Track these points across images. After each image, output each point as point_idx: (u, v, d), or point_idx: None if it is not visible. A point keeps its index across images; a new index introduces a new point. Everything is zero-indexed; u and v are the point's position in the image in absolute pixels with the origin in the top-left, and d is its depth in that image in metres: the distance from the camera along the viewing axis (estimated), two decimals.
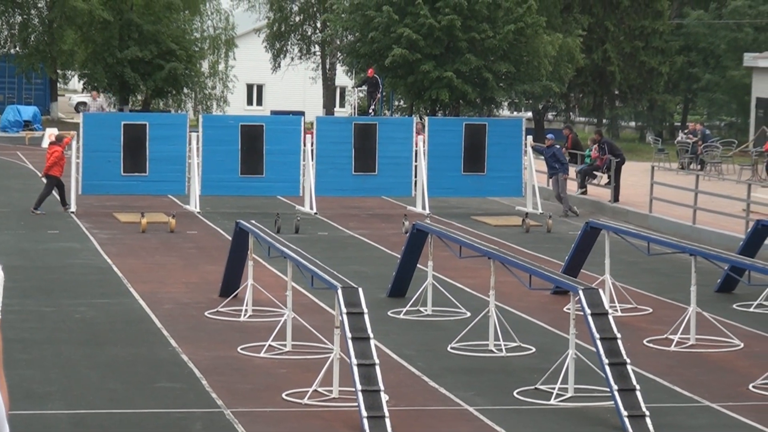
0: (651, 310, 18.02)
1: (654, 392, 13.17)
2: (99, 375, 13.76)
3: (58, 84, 60.65)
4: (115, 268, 20.63)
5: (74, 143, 28.19)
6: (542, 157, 30.15)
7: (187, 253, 22.60)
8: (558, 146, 30.17)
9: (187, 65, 54.46)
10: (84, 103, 67.94)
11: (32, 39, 55.40)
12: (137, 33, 53.52)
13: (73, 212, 26.96)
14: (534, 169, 29.44)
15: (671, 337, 15.86)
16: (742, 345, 15.74)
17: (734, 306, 18.36)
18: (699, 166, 36.93)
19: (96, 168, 28.05)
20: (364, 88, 53.30)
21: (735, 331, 16.28)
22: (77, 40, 54.49)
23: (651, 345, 15.79)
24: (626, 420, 11.84)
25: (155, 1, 54.08)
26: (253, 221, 17.36)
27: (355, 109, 58.32)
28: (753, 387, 13.65)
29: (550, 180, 29.85)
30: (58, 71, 58.27)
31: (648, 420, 11.86)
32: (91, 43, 53.92)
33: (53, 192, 27.40)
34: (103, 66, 53.59)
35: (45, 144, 35.83)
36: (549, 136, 30.79)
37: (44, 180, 27.82)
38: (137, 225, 24.94)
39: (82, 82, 58.31)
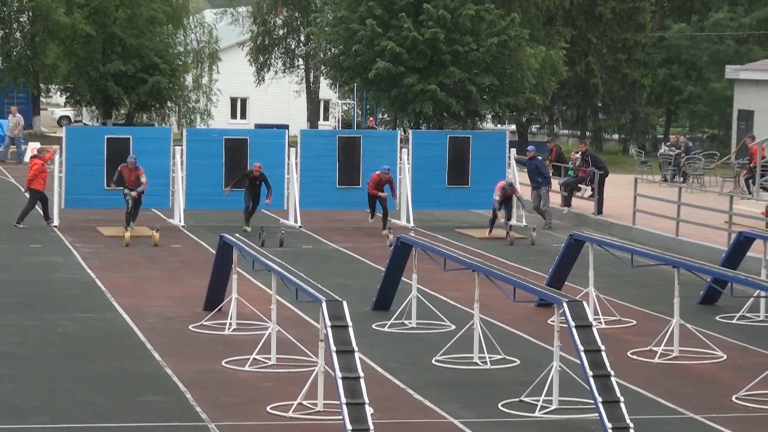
0: (635, 322, 18.05)
1: (638, 404, 13.19)
2: (83, 389, 13.72)
3: (40, 98, 60.54)
4: (99, 282, 20.59)
5: (57, 157, 28.13)
6: (525, 170, 30.18)
7: (171, 267, 22.56)
8: (540, 158, 30.19)
9: (171, 79, 54.37)
10: (68, 117, 67.97)
11: (14, 53, 55.27)
12: (120, 47, 53.45)
13: (56, 226, 26.90)
14: (518, 181, 29.50)
15: (655, 349, 15.90)
16: (725, 357, 15.78)
17: (717, 318, 18.41)
18: (682, 179, 37.02)
19: (79, 182, 28.01)
20: (349, 101, 53.42)
21: (718, 343, 16.32)
22: (60, 54, 54.37)
23: (635, 357, 15.81)
24: None
25: (138, 15, 54.01)
26: (237, 235, 17.37)
27: (339, 122, 58.45)
28: (736, 399, 13.68)
29: (533, 192, 29.84)
30: (41, 85, 58.18)
31: None
32: (73, 57, 53.81)
33: (36, 206, 27.34)
34: (86, 80, 53.51)
35: (27, 158, 35.75)
36: (530, 148, 30.76)
37: (27, 194, 27.75)
38: (121, 239, 24.90)
39: (64, 96, 58.16)
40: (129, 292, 19.69)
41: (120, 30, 53.65)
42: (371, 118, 50.65)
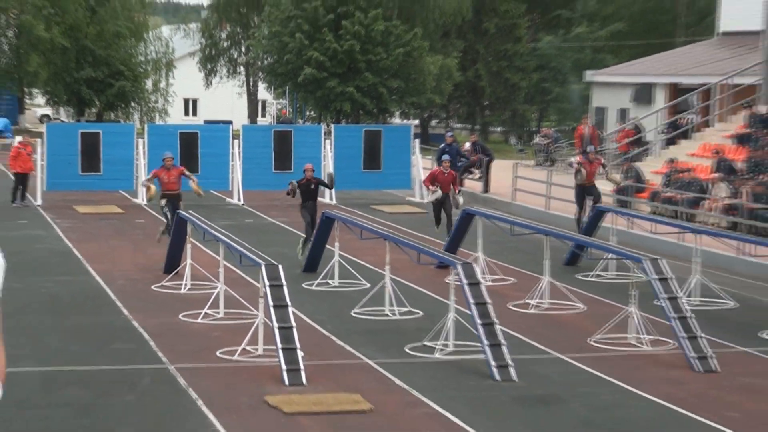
0: (514, 280, 18.25)
1: (517, 347, 13.35)
2: (63, 339, 13.61)
3: (25, 100, 59.54)
4: (75, 251, 20.38)
5: (39, 148, 27.73)
6: (434, 158, 29.84)
7: (136, 238, 22.38)
8: (457, 143, 29.93)
9: (134, 83, 53.80)
10: (48, 115, 66.84)
11: (3, 63, 54.36)
12: (91, 57, 52.73)
13: (39, 205, 26.54)
14: (421, 167, 29.65)
15: (530, 301, 16.10)
16: (584, 307, 16.03)
17: (578, 276, 18.67)
18: (551, 163, 37.39)
19: (58, 169, 27.69)
20: (282, 101, 52.83)
21: (579, 297, 16.58)
22: (40, 63, 53.47)
23: (514, 308, 16.00)
24: (495, 369, 12.01)
25: (106, 30, 53.30)
26: (191, 211, 17.28)
27: (274, 118, 58.16)
28: (592, 341, 13.92)
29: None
30: (25, 89, 57.26)
31: (512, 370, 12.05)
32: (52, 65, 52.97)
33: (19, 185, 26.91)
34: (62, 84, 52.76)
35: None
36: (450, 134, 30.29)
37: (12, 177, 27.40)
38: (94, 216, 24.62)
39: (45, 98, 57.33)
40: (101, 259, 19.51)
41: (91, 43, 52.87)
42: (284, 110, 50.63)
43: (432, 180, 21.47)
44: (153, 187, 20.32)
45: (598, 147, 33.55)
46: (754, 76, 30.38)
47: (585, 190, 22.79)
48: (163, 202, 20.08)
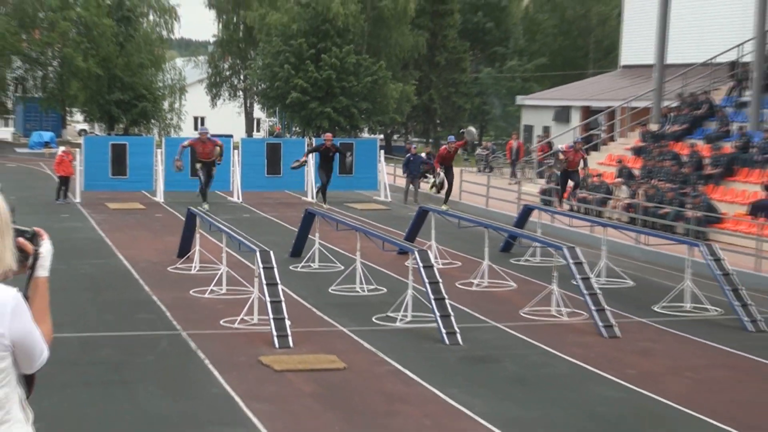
0: (461, 264, 18.26)
1: (462, 317, 13.38)
2: (97, 310, 13.49)
3: (66, 117, 59.03)
4: (107, 240, 20.19)
5: (78, 156, 27.47)
6: (401, 166, 29.84)
7: (155, 229, 22.19)
8: (419, 153, 29.98)
9: (154, 104, 53.57)
10: (85, 130, 66.31)
11: (49, 87, 54.00)
12: (120, 83, 52.43)
13: (78, 202, 26.26)
14: (385, 172, 29.60)
15: (473, 281, 16.13)
16: (516, 286, 16.08)
17: (511, 260, 18.72)
18: (489, 170, 37.50)
19: (93, 172, 27.43)
20: (273, 119, 52.54)
21: (512, 277, 16.62)
22: (79, 88, 53.11)
23: (460, 286, 16.00)
24: (445, 335, 12.04)
25: (132, 62, 53.03)
26: (199, 208, 17.16)
27: (267, 133, 57.98)
28: (522, 313, 13.97)
29: (414, 179, 28.73)
30: (67, 109, 56.81)
31: (458, 336, 12.08)
32: (88, 89, 52.61)
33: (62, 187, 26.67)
34: (96, 105, 52.49)
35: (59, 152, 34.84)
36: (414, 146, 30.57)
37: (57, 179, 27.13)
38: (121, 211, 24.40)
39: (83, 116, 56.95)
40: (127, 246, 19.34)
41: (120, 71, 52.51)
42: (277, 126, 50.60)
43: (440, 160, 22.56)
44: (181, 164, 22.06)
45: (525, 157, 33.75)
46: (647, 101, 30.65)
47: (568, 175, 22.21)
48: (198, 165, 21.58)
